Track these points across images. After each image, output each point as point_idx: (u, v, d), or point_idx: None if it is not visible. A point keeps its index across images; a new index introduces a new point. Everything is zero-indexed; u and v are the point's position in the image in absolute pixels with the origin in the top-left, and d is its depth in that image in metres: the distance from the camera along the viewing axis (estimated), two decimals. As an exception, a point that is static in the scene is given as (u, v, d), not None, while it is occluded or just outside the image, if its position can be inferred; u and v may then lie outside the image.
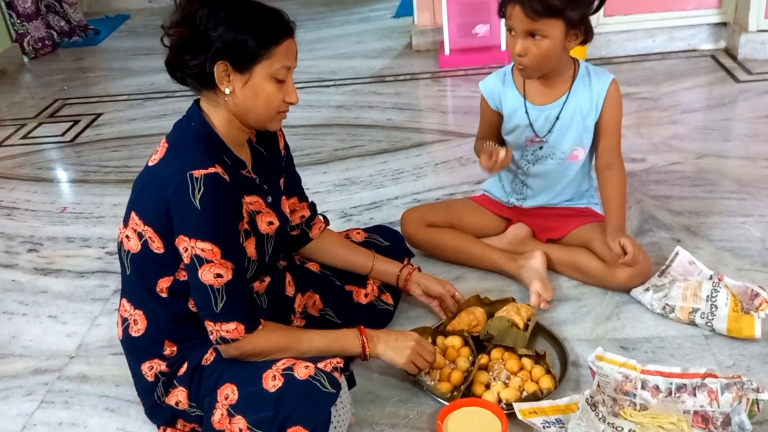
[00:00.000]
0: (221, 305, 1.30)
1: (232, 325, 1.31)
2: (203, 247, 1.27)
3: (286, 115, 1.41)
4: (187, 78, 1.34)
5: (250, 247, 1.40)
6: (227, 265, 1.29)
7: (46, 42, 4.47)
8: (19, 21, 4.32)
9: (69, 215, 2.52)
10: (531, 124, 1.79)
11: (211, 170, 1.27)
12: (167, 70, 1.35)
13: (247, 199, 1.40)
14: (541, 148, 1.81)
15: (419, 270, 1.75)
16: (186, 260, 1.29)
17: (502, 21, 1.69)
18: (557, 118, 1.76)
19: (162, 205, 1.29)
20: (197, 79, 1.33)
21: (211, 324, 1.32)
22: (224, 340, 1.33)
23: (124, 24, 5.06)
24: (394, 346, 1.47)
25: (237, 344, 1.34)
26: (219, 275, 1.28)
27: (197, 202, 1.25)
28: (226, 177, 1.30)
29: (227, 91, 1.31)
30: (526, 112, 1.78)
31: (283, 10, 1.35)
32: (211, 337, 1.34)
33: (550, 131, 1.78)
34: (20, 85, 4.05)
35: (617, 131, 1.77)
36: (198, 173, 1.26)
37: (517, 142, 1.84)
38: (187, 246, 1.28)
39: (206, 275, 1.28)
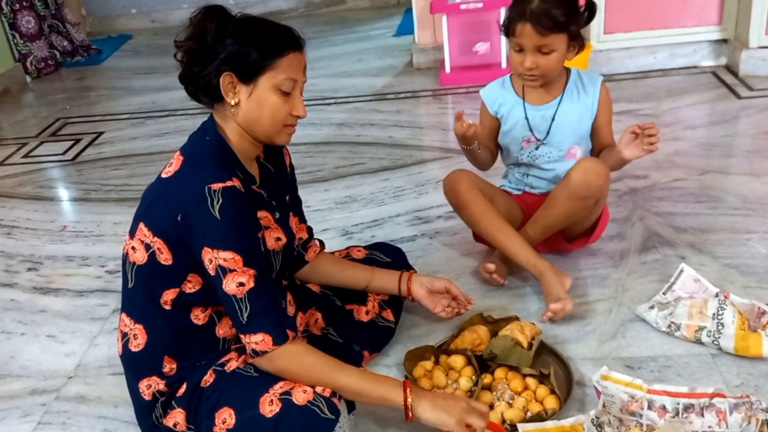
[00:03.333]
0: (246, 315, 1.29)
1: (259, 337, 1.30)
2: (225, 257, 1.27)
3: (294, 130, 1.42)
4: (199, 93, 1.37)
5: None
6: (249, 272, 1.28)
7: (49, 62, 4.50)
8: (22, 41, 4.35)
9: (69, 234, 2.51)
10: (528, 121, 1.86)
11: (229, 183, 1.28)
12: (182, 85, 1.38)
13: (259, 213, 1.40)
14: (537, 148, 1.88)
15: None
16: (212, 272, 1.29)
17: (503, 39, 1.75)
18: (553, 119, 1.84)
19: (178, 218, 1.29)
20: (206, 91, 1.35)
21: (243, 336, 1.32)
22: (255, 353, 1.32)
23: (127, 44, 5.10)
24: (443, 405, 1.31)
25: (269, 357, 1.31)
26: (241, 284, 1.28)
27: (217, 213, 1.26)
28: (243, 190, 1.31)
29: (233, 102, 1.33)
30: (524, 109, 1.86)
31: (293, 27, 1.37)
32: (247, 349, 1.33)
33: (548, 132, 1.86)
34: (22, 104, 4.06)
35: (610, 124, 1.89)
36: (216, 186, 1.27)
37: (513, 144, 1.91)
38: (212, 257, 1.28)
39: (230, 285, 1.28)
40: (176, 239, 1.31)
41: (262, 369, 1.34)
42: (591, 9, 1.74)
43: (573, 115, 1.84)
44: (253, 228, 1.33)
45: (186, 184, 1.31)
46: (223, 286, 1.28)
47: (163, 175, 1.37)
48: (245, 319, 1.29)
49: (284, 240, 1.48)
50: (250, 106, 1.34)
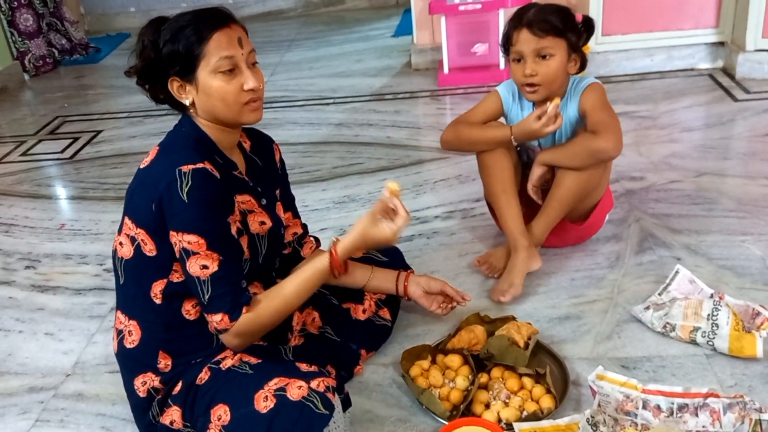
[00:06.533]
0: (207, 296, 1.33)
1: (218, 317, 1.34)
2: (189, 240, 1.30)
3: (259, 105, 1.40)
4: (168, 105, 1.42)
5: (243, 246, 1.41)
6: (213, 256, 1.31)
7: (47, 60, 4.50)
8: (20, 39, 4.35)
9: (67, 232, 2.51)
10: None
11: (199, 165, 1.30)
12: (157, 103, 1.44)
13: (239, 198, 1.42)
14: (540, 146, 1.91)
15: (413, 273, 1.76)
16: (177, 254, 1.32)
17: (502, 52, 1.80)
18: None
19: (154, 203, 1.31)
20: (167, 102, 1.40)
21: (206, 314, 1.37)
22: (218, 331, 1.37)
23: (125, 42, 5.10)
24: (353, 250, 1.46)
25: (231, 333, 1.36)
26: (204, 266, 1.31)
27: (185, 195, 1.28)
28: (216, 173, 1.33)
29: (188, 103, 1.37)
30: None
31: (220, 6, 1.37)
32: (210, 326, 1.38)
33: (552, 141, 1.88)
34: (20, 102, 4.06)
35: (598, 110, 1.77)
36: (186, 168, 1.29)
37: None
38: (176, 240, 1.31)
39: (193, 267, 1.31)
40: (155, 227, 1.33)
41: (231, 346, 1.40)
42: (588, 24, 1.78)
43: (568, 124, 1.84)
44: (221, 212, 1.34)
45: (160, 169, 1.33)
46: (187, 267, 1.32)
47: (141, 167, 1.39)
48: (206, 300, 1.34)
49: (269, 224, 1.49)
50: (202, 100, 1.36)
